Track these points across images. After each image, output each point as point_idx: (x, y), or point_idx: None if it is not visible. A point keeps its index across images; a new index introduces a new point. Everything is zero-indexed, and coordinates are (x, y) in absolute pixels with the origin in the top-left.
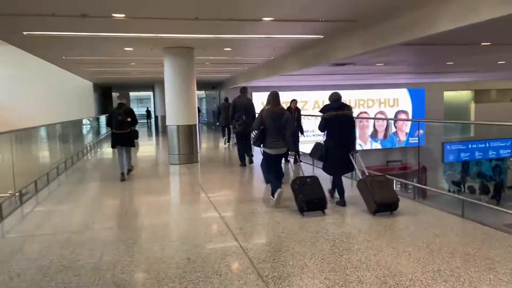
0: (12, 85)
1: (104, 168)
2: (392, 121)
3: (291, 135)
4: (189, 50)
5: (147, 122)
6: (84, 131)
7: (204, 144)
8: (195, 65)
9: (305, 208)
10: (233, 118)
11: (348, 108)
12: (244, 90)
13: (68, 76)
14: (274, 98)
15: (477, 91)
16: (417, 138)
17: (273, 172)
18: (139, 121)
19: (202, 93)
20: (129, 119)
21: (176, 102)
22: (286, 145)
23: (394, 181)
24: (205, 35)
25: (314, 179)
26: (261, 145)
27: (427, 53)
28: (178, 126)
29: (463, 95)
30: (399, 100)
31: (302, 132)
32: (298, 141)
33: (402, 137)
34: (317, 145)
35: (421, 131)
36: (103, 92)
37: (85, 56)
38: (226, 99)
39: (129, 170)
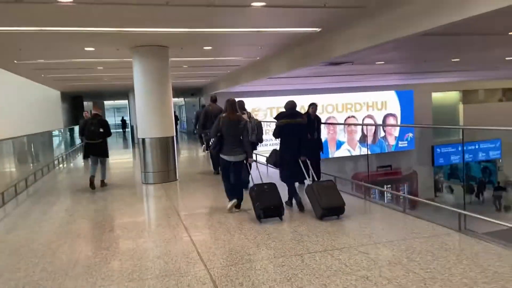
0: None
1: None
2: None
3: (248, 142)
4: (163, 49)
5: (123, 132)
6: (49, 144)
7: (183, 156)
8: (171, 69)
9: (262, 215)
10: (205, 127)
11: (301, 116)
12: (215, 99)
13: (31, 85)
14: (230, 106)
15: (465, 91)
16: (406, 142)
17: (230, 179)
18: (113, 131)
19: (181, 100)
20: (101, 130)
21: (149, 111)
22: (244, 152)
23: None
24: (180, 28)
25: (272, 186)
26: (219, 152)
27: (440, 46)
28: (151, 139)
29: (451, 96)
30: (387, 103)
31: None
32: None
33: (392, 141)
34: (273, 152)
35: (410, 135)
36: (73, 101)
37: (39, 59)
38: (204, 106)
39: (102, 181)
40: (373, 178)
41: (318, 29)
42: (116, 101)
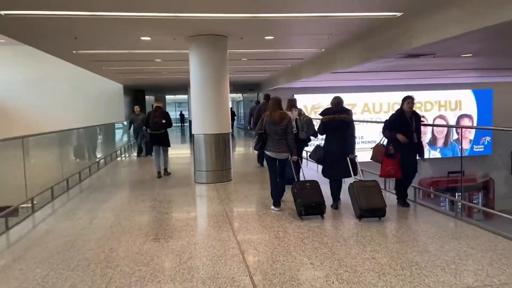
0: (29, 87)
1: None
2: (454, 127)
3: (293, 140)
4: (221, 39)
5: (181, 127)
6: (115, 135)
7: (238, 152)
8: (229, 62)
9: (303, 212)
10: (256, 124)
11: (347, 112)
12: (268, 97)
13: (96, 78)
14: (274, 103)
15: None
16: (482, 146)
17: (275, 176)
18: (173, 125)
19: (239, 96)
20: (164, 121)
21: (204, 105)
22: (288, 150)
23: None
24: (240, 14)
25: (314, 184)
26: (261, 149)
27: None
28: (206, 135)
29: None
30: (462, 102)
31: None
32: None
33: (466, 145)
34: (317, 148)
35: (487, 138)
36: (135, 95)
37: (96, 49)
38: (258, 102)
39: (166, 170)
40: (442, 185)
41: (398, 14)
42: (176, 96)
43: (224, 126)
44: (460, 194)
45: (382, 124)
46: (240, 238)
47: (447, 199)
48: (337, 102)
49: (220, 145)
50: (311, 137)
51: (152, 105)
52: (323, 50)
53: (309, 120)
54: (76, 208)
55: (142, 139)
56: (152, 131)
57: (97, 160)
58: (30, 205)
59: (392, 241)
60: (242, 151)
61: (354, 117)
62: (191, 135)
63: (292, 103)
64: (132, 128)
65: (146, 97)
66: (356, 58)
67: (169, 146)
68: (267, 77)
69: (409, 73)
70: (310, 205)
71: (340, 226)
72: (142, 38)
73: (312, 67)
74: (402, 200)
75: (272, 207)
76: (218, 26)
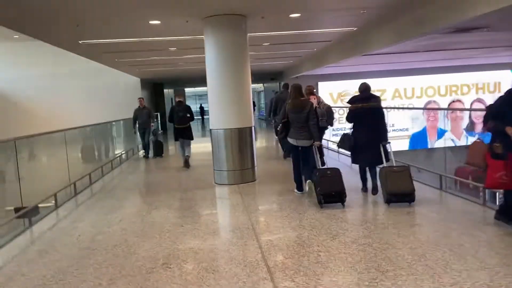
0: (45, 83)
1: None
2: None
3: (315, 126)
4: (240, 19)
5: (202, 120)
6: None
7: (261, 146)
8: (249, 48)
9: (323, 200)
10: (275, 113)
11: (375, 99)
12: (287, 86)
13: (112, 72)
14: (296, 91)
15: None
16: None
17: (298, 163)
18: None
19: (260, 86)
20: (188, 115)
21: (223, 96)
22: (311, 137)
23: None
24: None
25: (335, 171)
26: (286, 137)
27: None
28: (225, 131)
29: None
30: (502, 84)
31: None
32: None
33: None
34: (345, 136)
35: None
36: (154, 88)
37: (103, 38)
38: (276, 92)
39: (187, 157)
40: (481, 173)
41: None
42: (196, 88)
43: (246, 119)
44: None
45: (418, 111)
46: (271, 263)
47: (487, 191)
48: (365, 88)
49: (242, 141)
50: (329, 126)
51: (172, 99)
52: (355, 29)
53: (329, 108)
54: (79, 219)
55: (149, 137)
56: (178, 125)
57: (108, 161)
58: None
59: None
60: (264, 143)
61: (384, 104)
62: (211, 129)
63: (311, 91)
64: (136, 125)
65: (165, 90)
66: (394, 36)
67: (192, 139)
68: (290, 64)
69: (444, 53)
70: (329, 194)
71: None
72: (151, 22)
73: (341, 50)
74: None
75: (295, 190)
76: (236, 3)
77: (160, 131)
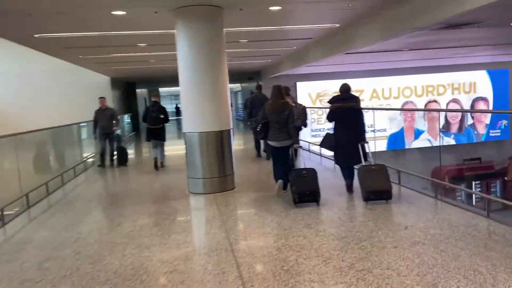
0: (11, 82)
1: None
2: (469, 112)
3: (294, 129)
4: (215, 10)
5: (177, 120)
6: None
7: (239, 149)
8: (226, 45)
9: (297, 199)
10: (251, 115)
11: (355, 99)
12: (260, 86)
13: (78, 70)
14: (276, 92)
15: None
16: (499, 131)
17: (278, 164)
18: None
19: (237, 86)
20: (162, 116)
21: (197, 96)
22: (290, 138)
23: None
24: None
25: (311, 172)
26: (265, 138)
27: None
28: (200, 134)
29: None
30: (477, 84)
31: None
32: None
33: (481, 130)
34: (327, 136)
35: (504, 122)
36: (126, 88)
37: (61, 32)
38: (252, 93)
39: (162, 163)
40: (458, 173)
41: None
42: (172, 88)
43: (224, 121)
44: (478, 183)
45: (393, 112)
46: None
47: (463, 192)
48: (345, 89)
49: (219, 145)
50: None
51: (145, 99)
52: (338, 25)
53: (304, 109)
54: (28, 239)
55: (113, 143)
56: (151, 125)
57: (71, 167)
58: None
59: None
60: (242, 146)
61: (362, 104)
62: (184, 132)
63: (287, 92)
64: (97, 129)
65: (137, 90)
66: (381, 33)
67: (165, 141)
68: (268, 64)
69: (426, 52)
70: (304, 193)
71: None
72: (114, 12)
73: (322, 48)
74: None
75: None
76: None
77: (124, 135)
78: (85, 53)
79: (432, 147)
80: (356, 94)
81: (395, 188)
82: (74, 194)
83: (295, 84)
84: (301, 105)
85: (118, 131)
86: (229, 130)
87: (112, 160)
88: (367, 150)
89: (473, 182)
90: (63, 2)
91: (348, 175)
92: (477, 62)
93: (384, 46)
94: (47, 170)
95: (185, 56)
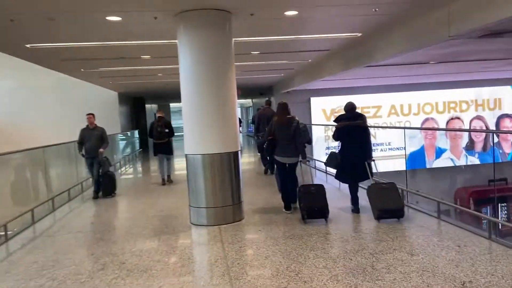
0: (15, 98)
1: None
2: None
3: (302, 144)
4: (223, 16)
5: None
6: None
7: (248, 172)
8: (235, 57)
9: (306, 216)
10: (258, 130)
11: (361, 118)
12: (269, 102)
13: (85, 86)
14: (282, 108)
15: None
16: None
17: (284, 180)
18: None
19: (248, 101)
20: (167, 130)
21: (201, 113)
22: (297, 154)
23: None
24: None
25: (319, 188)
26: (272, 154)
27: None
28: (204, 156)
29: None
30: (502, 100)
31: None
32: None
33: (507, 149)
34: (332, 154)
35: None
36: (134, 103)
37: (53, 42)
38: (259, 109)
39: (169, 177)
40: (483, 195)
41: None
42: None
43: (231, 141)
44: (504, 204)
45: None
46: None
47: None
48: (351, 107)
49: (226, 169)
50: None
51: (155, 115)
52: (360, 35)
53: (304, 127)
54: None
55: (99, 168)
56: (156, 140)
57: (63, 191)
58: None
59: None
60: (252, 165)
61: (380, 121)
62: (186, 154)
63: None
64: (83, 150)
65: (147, 105)
66: (409, 42)
67: (172, 154)
68: (280, 78)
69: (453, 66)
70: (313, 209)
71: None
72: (108, 18)
73: (340, 61)
74: None
75: (284, 210)
76: None
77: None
78: (86, 67)
79: (454, 167)
80: (373, 110)
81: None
82: (64, 222)
83: (309, 99)
84: (301, 123)
85: (102, 156)
86: (237, 152)
87: (96, 190)
88: (373, 169)
89: (499, 204)
90: (49, 6)
91: (354, 192)
92: (501, 77)
93: (408, 59)
94: (34, 194)
95: (187, 67)
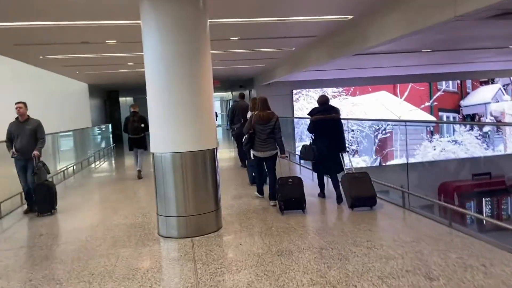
0: None
1: None
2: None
3: (281, 139)
4: None
5: None
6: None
7: (226, 170)
8: (214, 44)
9: (283, 207)
10: (232, 122)
11: (335, 110)
12: (243, 95)
13: (49, 76)
14: (262, 103)
15: None
16: None
17: (262, 172)
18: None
19: (228, 94)
20: (142, 125)
21: (170, 105)
22: (276, 148)
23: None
24: None
25: (296, 180)
26: (251, 149)
27: None
28: (174, 155)
29: None
30: None
31: None
32: None
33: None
34: (306, 147)
35: None
36: (107, 97)
37: (10, 21)
38: (235, 101)
39: (139, 171)
40: (466, 189)
41: None
42: None
43: (207, 137)
44: (488, 199)
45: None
46: None
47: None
48: (324, 100)
49: (201, 170)
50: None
51: (130, 109)
52: (351, 17)
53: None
54: None
55: (33, 173)
56: (132, 135)
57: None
58: None
59: None
60: (228, 159)
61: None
62: (153, 153)
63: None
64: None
65: (121, 99)
66: (405, 24)
67: (146, 149)
68: (261, 69)
69: (439, 56)
70: (290, 200)
71: None
72: None
73: (327, 48)
74: None
75: (256, 193)
76: None
77: (106, 147)
78: (45, 52)
79: (437, 162)
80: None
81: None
82: (9, 234)
83: (291, 92)
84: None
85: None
86: (213, 149)
87: (29, 204)
88: (346, 159)
89: (483, 199)
90: None
91: (335, 185)
92: (491, 69)
93: (401, 45)
94: None
95: (153, 49)
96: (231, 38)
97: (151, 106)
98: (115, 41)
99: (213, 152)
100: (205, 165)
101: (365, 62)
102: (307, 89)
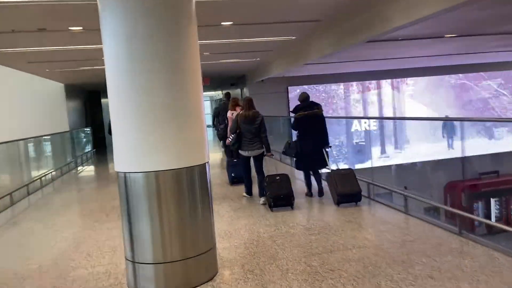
0: None
1: None
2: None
3: (266, 138)
4: None
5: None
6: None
7: (216, 186)
8: (202, 30)
9: (272, 203)
10: (218, 122)
11: (317, 106)
12: (228, 95)
13: (17, 76)
14: (247, 103)
15: None
16: None
17: (250, 171)
18: None
19: (218, 93)
20: None
21: (142, 105)
22: (262, 147)
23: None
24: None
25: (284, 177)
26: (239, 149)
27: None
28: (149, 176)
29: None
30: None
31: None
32: None
33: None
34: (292, 144)
35: None
36: (88, 98)
37: None
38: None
39: None
40: (474, 189)
41: None
42: None
43: (195, 149)
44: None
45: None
46: None
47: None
48: (304, 98)
49: (188, 195)
50: None
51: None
52: None
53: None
54: None
55: None
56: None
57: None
58: None
59: None
60: (217, 165)
61: None
62: (118, 172)
63: (236, 102)
64: None
65: (103, 100)
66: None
67: None
68: (255, 64)
69: (459, 43)
70: (278, 197)
71: None
72: None
73: (332, 36)
74: None
75: (245, 194)
76: None
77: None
78: (4, 45)
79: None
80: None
81: None
82: None
83: (287, 89)
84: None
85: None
86: (204, 164)
87: None
88: (329, 155)
89: (491, 199)
90: None
91: (317, 180)
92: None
93: (427, 29)
94: None
95: (117, 35)
96: (222, 23)
97: (113, 109)
98: (80, 28)
99: (204, 169)
100: (193, 188)
101: (377, 52)
102: (308, 86)
